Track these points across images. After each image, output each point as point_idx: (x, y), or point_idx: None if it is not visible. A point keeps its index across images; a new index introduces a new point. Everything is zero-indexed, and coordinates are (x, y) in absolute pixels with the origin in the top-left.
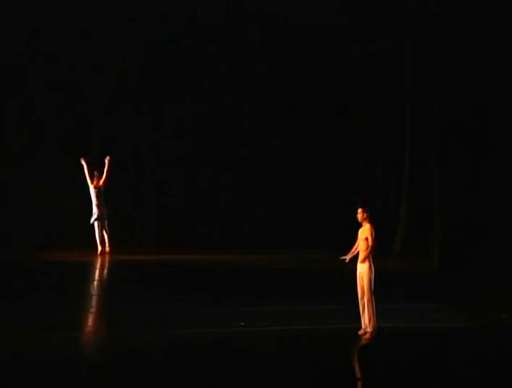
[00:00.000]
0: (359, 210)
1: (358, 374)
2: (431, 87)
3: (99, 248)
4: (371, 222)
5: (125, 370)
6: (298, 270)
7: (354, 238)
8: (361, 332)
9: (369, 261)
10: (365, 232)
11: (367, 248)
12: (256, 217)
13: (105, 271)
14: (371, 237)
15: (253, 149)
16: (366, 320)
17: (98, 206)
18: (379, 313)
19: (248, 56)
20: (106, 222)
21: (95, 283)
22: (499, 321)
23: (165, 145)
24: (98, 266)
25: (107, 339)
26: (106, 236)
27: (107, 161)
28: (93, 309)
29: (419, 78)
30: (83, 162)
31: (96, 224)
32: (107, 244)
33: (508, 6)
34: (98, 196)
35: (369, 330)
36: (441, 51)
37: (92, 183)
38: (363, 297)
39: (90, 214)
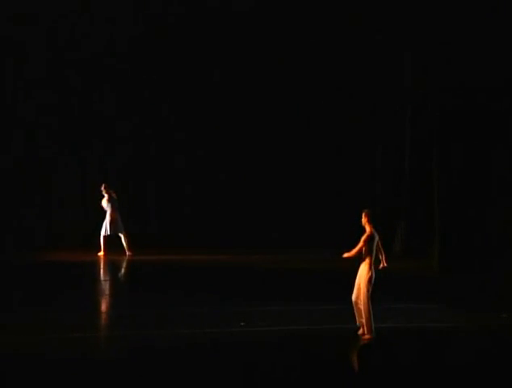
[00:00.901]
0: (362, 214)
1: (355, 368)
2: (431, 84)
3: (102, 253)
4: (370, 225)
5: (125, 370)
6: (299, 270)
7: (353, 238)
8: (360, 332)
9: (369, 265)
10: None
11: (365, 251)
12: (256, 216)
13: (105, 272)
14: (362, 240)
15: (254, 149)
16: (363, 321)
17: (112, 214)
18: (379, 313)
19: (250, 53)
20: (121, 228)
21: (96, 284)
22: (499, 321)
23: (164, 144)
24: (97, 267)
25: (107, 339)
26: (123, 240)
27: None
28: (94, 310)
29: (419, 74)
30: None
31: (105, 232)
32: (125, 247)
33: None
34: (111, 206)
35: (366, 333)
36: (440, 48)
37: (103, 197)
38: (358, 296)
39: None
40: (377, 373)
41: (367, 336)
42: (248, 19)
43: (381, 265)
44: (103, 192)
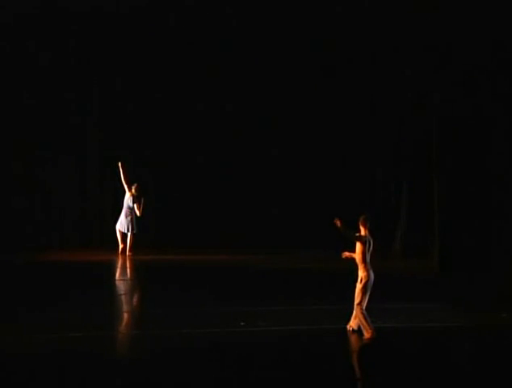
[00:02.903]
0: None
1: (358, 374)
2: (431, 84)
3: (121, 246)
4: (364, 229)
5: (124, 370)
6: (298, 270)
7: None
8: (348, 328)
9: (364, 267)
10: None
11: (358, 253)
12: (256, 216)
13: (104, 272)
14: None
15: (254, 149)
16: (352, 319)
17: (128, 215)
18: (379, 313)
19: (247, 52)
20: (134, 229)
21: (97, 284)
22: (499, 321)
23: (164, 144)
24: (97, 266)
25: (106, 339)
26: (129, 240)
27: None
28: (95, 310)
29: (419, 74)
30: (120, 167)
31: (119, 230)
32: (128, 247)
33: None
34: (130, 206)
35: (366, 333)
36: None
37: (130, 190)
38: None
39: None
40: (377, 373)
41: (367, 335)
42: (249, 19)
43: (346, 254)
44: (133, 191)
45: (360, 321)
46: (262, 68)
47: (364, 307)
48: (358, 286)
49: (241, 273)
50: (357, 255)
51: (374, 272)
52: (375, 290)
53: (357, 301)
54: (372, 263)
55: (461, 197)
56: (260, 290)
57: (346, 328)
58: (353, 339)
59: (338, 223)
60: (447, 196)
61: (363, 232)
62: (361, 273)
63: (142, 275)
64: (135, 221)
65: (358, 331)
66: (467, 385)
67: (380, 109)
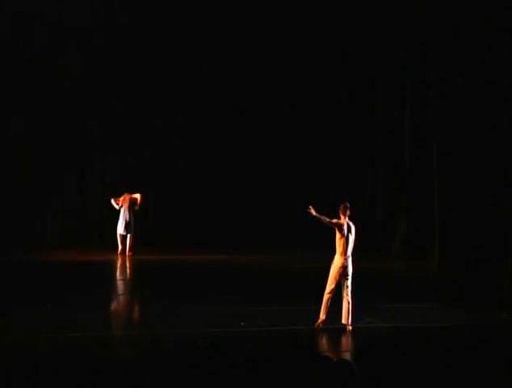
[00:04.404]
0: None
1: (357, 374)
2: (432, 82)
3: (120, 247)
4: (343, 217)
5: (124, 370)
6: (298, 270)
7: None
8: (348, 327)
9: (340, 253)
10: None
11: (336, 240)
12: (256, 217)
13: (104, 272)
14: (333, 221)
15: (253, 150)
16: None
17: (127, 216)
18: (379, 313)
19: (240, 47)
20: (131, 230)
21: (96, 284)
22: (499, 321)
23: (164, 147)
24: (97, 266)
25: (106, 340)
26: (128, 240)
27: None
28: (94, 310)
29: (419, 71)
30: (114, 204)
31: (121, 233)
32: (128, 247)
33: None
34: (128, 210)
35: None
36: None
37: (123, 198)
38: (343, 289)
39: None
40: (377, 373)
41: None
42: (243, 16)
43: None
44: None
45: (322, 302)
46: (257, 67)
47: (330, 291)
48: (331, 270)
49: (241, 273)
50: (336, 241)
51: (373, 270)
52: (375, 290)
53: (328, 285)
54: (355, 252)
55: (461, 197)
56: (260, 290)
57: (345, 328)
58: (353, 339)
59: (312, 211)
60: (447, 196)
61: (342, 219)
62: (336, 258)
63: (142, 275)
64: (132, 222)
65: (357, 329)
66: (467, 386)
67: (382, 106)
